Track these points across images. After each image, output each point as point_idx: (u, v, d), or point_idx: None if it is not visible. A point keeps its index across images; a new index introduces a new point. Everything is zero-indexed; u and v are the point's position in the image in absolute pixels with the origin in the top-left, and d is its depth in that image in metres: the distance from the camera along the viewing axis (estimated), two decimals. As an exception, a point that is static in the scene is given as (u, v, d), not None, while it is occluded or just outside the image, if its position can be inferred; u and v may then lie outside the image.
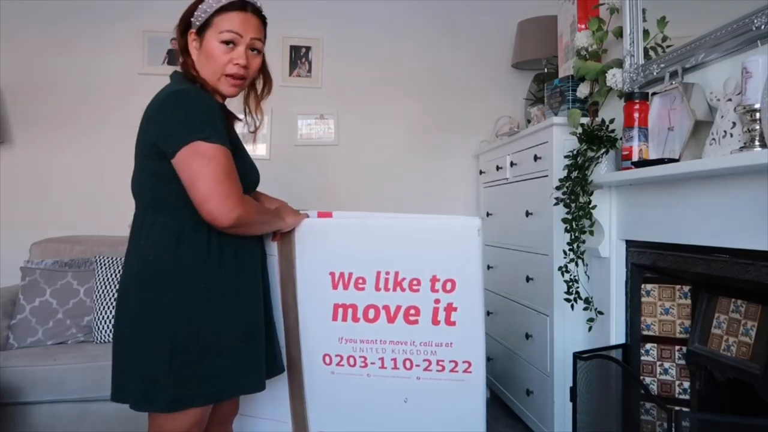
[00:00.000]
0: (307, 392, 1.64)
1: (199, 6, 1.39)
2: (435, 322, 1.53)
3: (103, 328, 2.46)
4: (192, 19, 1.40)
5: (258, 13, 1.42)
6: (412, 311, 1.54)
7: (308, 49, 3.13)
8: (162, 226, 1.35)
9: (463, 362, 1.54)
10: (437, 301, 1.52)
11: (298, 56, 3.13)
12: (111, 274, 2.54)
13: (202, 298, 1.35)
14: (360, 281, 1.56)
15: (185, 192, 1.30)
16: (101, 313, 2.47)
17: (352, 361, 1.60)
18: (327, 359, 1.61)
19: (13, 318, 2.47)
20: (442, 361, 1.55)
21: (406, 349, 1.56)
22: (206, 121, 1.29)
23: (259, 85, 1.54)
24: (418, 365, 1.56)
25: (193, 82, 1.40)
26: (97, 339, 2.46)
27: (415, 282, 1.53)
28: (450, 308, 1.52)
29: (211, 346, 1.35)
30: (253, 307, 1.46)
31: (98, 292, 2.50)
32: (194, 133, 1.27)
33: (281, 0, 3.04)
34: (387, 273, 1.54)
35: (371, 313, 1.56)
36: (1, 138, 2.84)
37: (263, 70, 1.52)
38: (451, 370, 1.54)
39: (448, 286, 1.51)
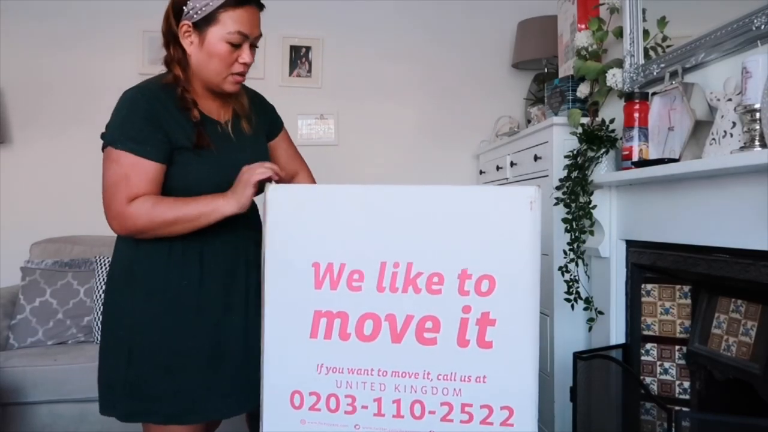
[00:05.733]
0: None
1: None
2: (462, 342, 1.09)
3: (103, 328, 2.46)
4: (186, 8, 1.25)
5: (258, 3, 1.31)
6: (429, 323, 1.10)
7: (308, 49, 3.13)
8: None
9: (501, 408, 1.08)
10: (467, 308, 1.09)
11: (298, 56, 3.13)
12: (111, 274, 2.54)
13: (160, 309, 1.27)
14: (355, 277, 1.12)
15: None
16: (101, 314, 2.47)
17: (333, 404, 1.13)
18: (297, 399, 1.14)
19: (13, 318, 2.47)
20: (470, 405, 1.09)
21: (415, 384, 1.10)
22: (122, 125, 1.26)
23: None
24: (432, 411, 1.10)
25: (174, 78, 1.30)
26: (97, 339, 2.45)
27: (435, 279, 1.10)
28: (485, 320, 1.08)
29: (169, 364, 1.26)
30: (221, 326, 1.30)
31: (98, 292, 2.50)
32: (108, 137, 1.27)
33: (281, 0, 3.05)
34: (396, 265, 1.11)
35: (368, 327, 1.12)
36: (1, 138, 2.84)
37: None
38: (483, 421, 1.08)
39: (484, 285, 1.08)
